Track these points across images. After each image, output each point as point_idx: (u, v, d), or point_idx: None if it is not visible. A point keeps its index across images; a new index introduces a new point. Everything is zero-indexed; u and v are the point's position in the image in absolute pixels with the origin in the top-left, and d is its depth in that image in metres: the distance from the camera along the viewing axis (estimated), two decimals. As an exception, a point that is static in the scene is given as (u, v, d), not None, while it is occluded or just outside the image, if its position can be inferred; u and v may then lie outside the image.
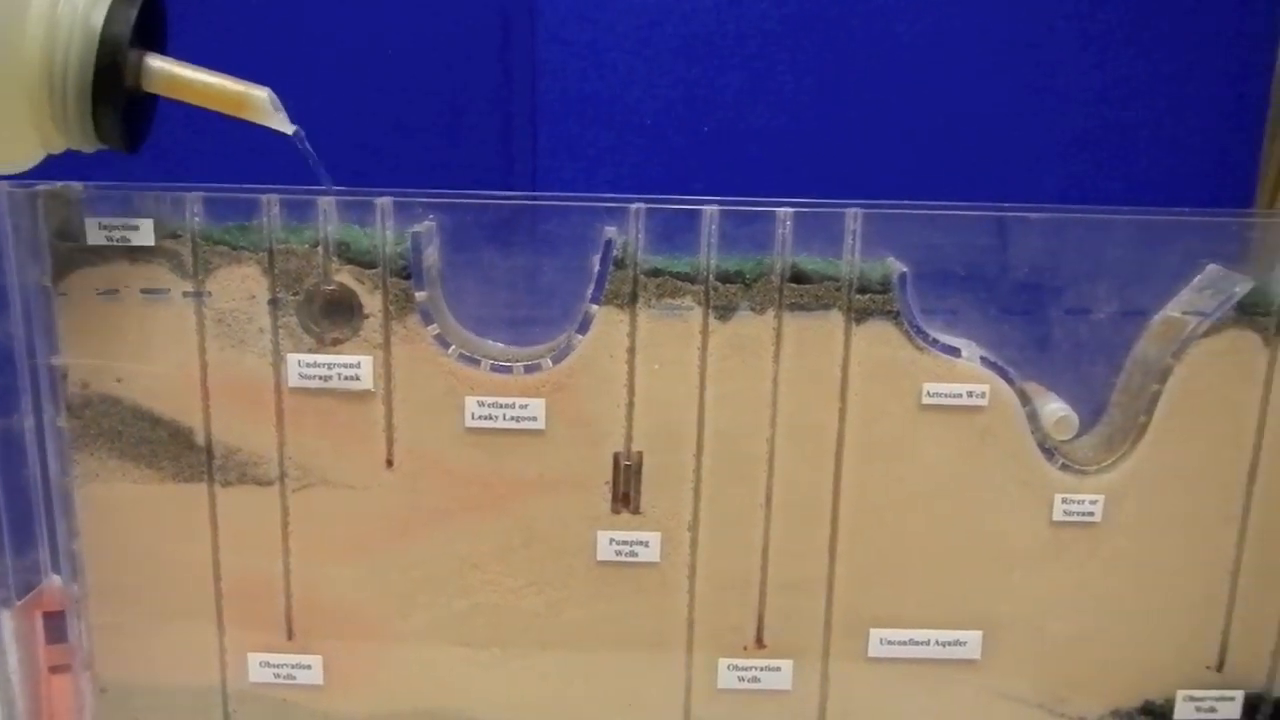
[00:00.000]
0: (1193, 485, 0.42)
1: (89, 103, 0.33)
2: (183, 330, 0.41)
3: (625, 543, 0.42)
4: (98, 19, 0.32)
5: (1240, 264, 0.42)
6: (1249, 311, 0.41)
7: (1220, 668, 0.44)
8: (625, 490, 0.42)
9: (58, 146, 0.35)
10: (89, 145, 0.35)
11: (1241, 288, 0.41)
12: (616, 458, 0.42)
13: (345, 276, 0.40)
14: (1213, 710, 0.44)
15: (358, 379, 0.41)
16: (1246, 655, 0.44)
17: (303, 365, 0.41)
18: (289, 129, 0.37)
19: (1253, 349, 0.41)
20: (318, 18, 0.69)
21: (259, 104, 0.36)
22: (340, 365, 0.41)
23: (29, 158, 0.35)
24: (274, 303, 0.41)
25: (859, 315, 0.41)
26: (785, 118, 0.57)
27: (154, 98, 0.36)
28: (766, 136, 0.55)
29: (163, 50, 0.36)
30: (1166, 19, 0.55)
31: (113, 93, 0.33)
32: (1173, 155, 0.55)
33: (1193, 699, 0.44)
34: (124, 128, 0.35)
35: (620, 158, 0.65)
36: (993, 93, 0.56)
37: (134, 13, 0.33)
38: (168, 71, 0.35)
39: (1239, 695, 0.44)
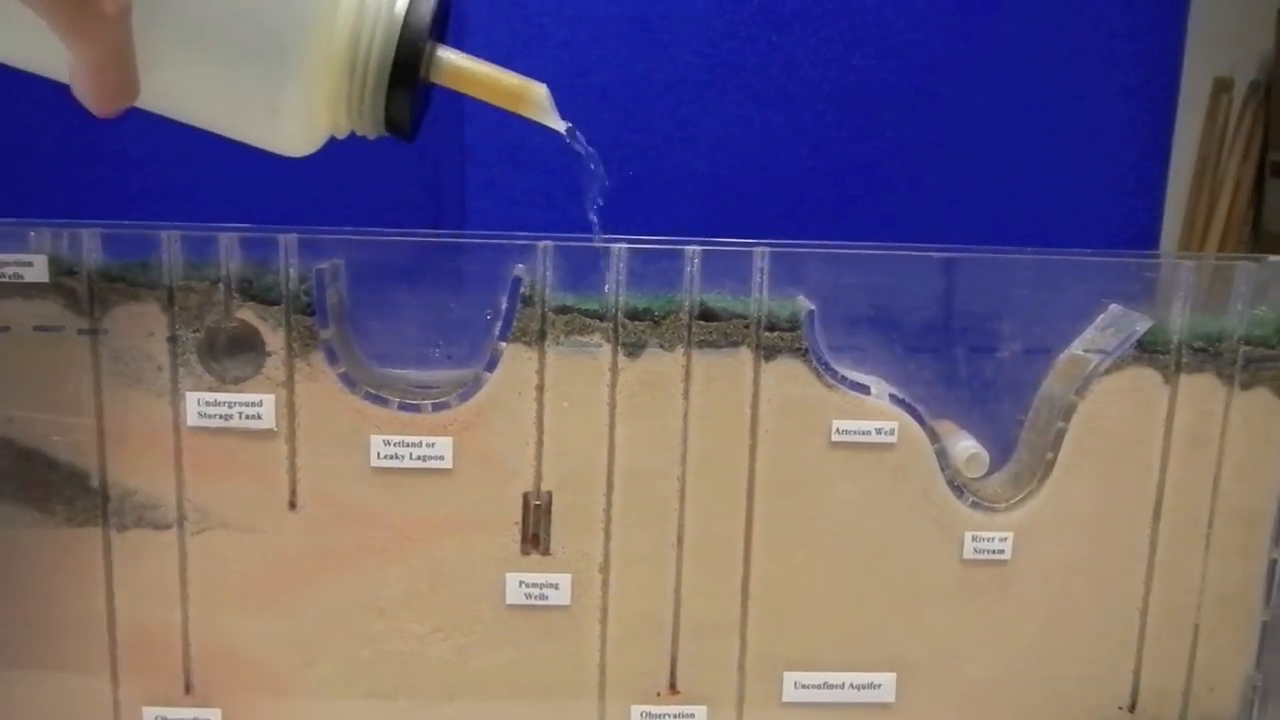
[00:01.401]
0: (1100, 522, 0.43)
1: (384, 90, 0.33)
2: (77, 369, 0.40)
3: (535, 585, 0.42)
4: (401, 9, 0.32)
5: (1141, 303, 0.43)
6: (1149, 349, 0.42)
7: (1133, 709, 0.44)
8: (534, 531, 0.42)
9: (343, 131, 0.36)
10: (374, 131, 0.35)
11: (1141, 326, 0.42)
12: (526, 497, 0.41)
13: (247, 314, 0.40)
14: (1128, 750, 0.44)
15: (259, 418, 0.40)
16: (1157, 695, 0.44)
17: (202, 404, 0.40)
18: (561, 126, 0.37)
19: (1153, 386, 0.42)
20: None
21: (538, 99, 0.36)
22: (241, 404, 0.40)
23: (316, 141, 0.35)
24: (173, 340, 0.40)
25: (768, 353, 0.41)
26: (705, 161, 0.58)
27: (431, 90, 0.36)
28: (690, 178, 0.56)
29: (445, 42, 0.36)
30: (1071, 63, 0.57)
31: (409, 81, 0.33)
32: (1077, 197, 0.57)
33: (1107, 739, 0.44)
34: (413, 116, 0.35)
35: (548, 199, 0.65)
36: (903, 137, 0.57)
37: (433, 5, 0.33)
38: (456, 64, 0.35)
39: (1153, 734, 0.44)
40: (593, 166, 0.39)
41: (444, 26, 0.36)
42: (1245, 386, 0.42)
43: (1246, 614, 0.44)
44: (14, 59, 0.33)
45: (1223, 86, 1.57)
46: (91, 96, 0.28)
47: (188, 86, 0.33)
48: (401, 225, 0.42)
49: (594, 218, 0.39)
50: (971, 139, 0.56)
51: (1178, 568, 0.43)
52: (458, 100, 0.64)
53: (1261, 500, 0.43)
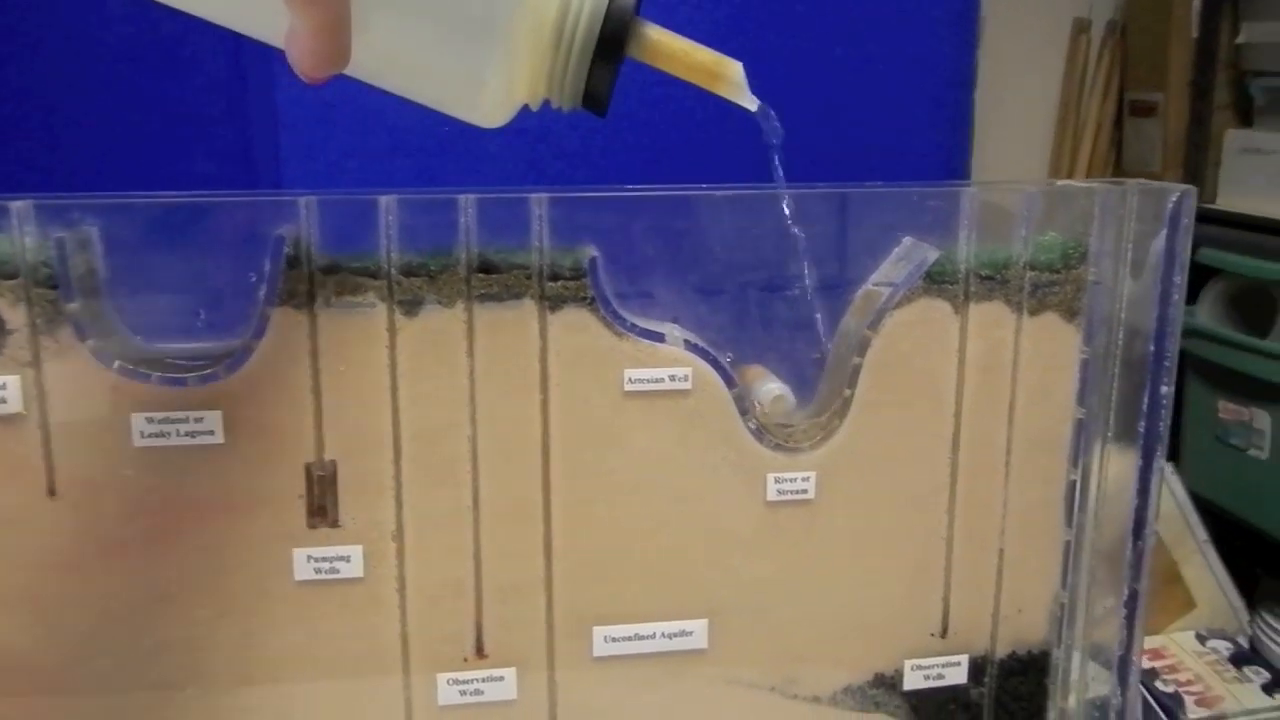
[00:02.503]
0: (900, 456, 0.43)
1: (588, 64, 0.33)
2: None
3: (325, 559, 0.40)
4: None
5: (935, 235, 0.42)
6: (938, 280, 0.42)
7: (944, 634, 0.45)
8: (320, 503, 0.40)
9: (537, 103, 0.35)
10: (570, 105, 0.35)
11: (931, 256, 0.42)
12: (308, 469, 0.39)
13: (-20, 289, 0.37)
14: (940, 677, 0.45)
15: (5, 401, 0.37)
16: (968, 620, 0.45)
17: (-62, 390, 0.37)
18: (754, 104, 0.36)
19: (944, 317, 0.42)
20: (40, 18, 0.64)
21: (734, 76, 0.36)
22: (-18, 388, 0.37)
23: (511, 112, 0.35)
24: (-104, 322, 0.36)
25: (553, 304, 0.39)
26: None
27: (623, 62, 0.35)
28: (507, 133, 0.54)
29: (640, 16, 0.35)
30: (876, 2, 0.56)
31: (613, 57, 0.33)
32: (886, 134, 0.57)
33: (920, 667, 0.45)
34: (611, 91, 0.34)
35: (366, 159, 0.62)
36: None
37: None
38: (656, 40, 0.35)
39: (964, 659, 0.45)
40: (778, 154, 0.38)
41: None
42: (1034, 312, 0.43)
43: (1049, 536, 0.45)
44: (228, 20, 0.32)
45: (1081, 27, 1.60)
46: (306, 60, 0.28)
47: (394, 55, 0.33)
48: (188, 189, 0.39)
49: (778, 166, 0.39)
50: (777, 77, 0.55)
51: (979, 495, 0.44)
52: (268, 57, 0.61)
53: (1057, 424, 0.44)
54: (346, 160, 0.62)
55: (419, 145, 0.60)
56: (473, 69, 0.32)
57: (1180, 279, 0.42)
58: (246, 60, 0.63)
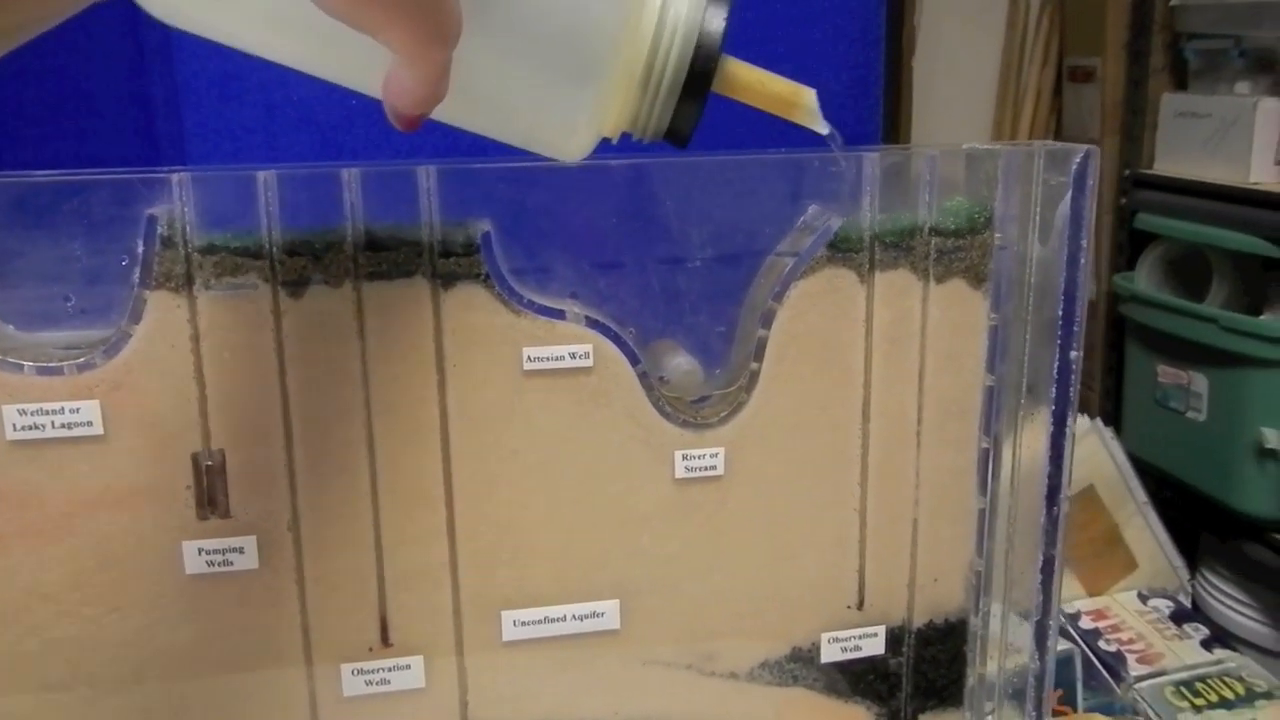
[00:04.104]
0: (810, 428, 0.42)
1: (676, 99, 0.33)
2: None
3: (216, 551, 0.38)
4: (696, 21, 0.33)
5: (838, 204, 0.42)
6: (842, 249, 0.41)
7: (860, 605, 0.44)
8: (210, 494, 0.38)
9: (617, 135, 0.35)
10: (653, 138, 0.35)
11: (833, 224, 0.41)
12: (195, 458, 0.38)
13: None
14: (858, 648, 0.45)
15: None
16: (884, 591, 0.44)
17: None
18: (825, 129, 0.37)
19: (849, 286, 0.41)
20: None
21: (810, 104, 0.37)
22: None
23: (593, 145, 0.35)
24: None
25: (445, 281, 0.38)
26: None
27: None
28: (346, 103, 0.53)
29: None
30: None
31: (700, 92, 0.34)
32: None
33: (837, 640, 0.44)
34: (696, 124, 0.35)
35: (272, 136, 0.60)
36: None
37: (725, 15, 0.34)
38: (738, 74, 0.35)
39: (881, 630, 0.45)
40: (836, 149, 0.38)
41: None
42: (940, 279, 0.42)
43: (963, 504, 0.45)
44: (314, 68, 0.32)
45: (1021, -6, 1.61)
46: (407, 104, 0.29)
47: (489, 97, 0.33)
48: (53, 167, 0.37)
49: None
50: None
51: (892, 465, 0.43)
52: (166, 36, 0.58)
53: (967, 392, 0.44)
54: (251, 136, 0.60)
55: (326, 119, 0.58)
56: (569, 112, 0.33)
57: (1086, 240, 0.42)
58: (144, 36, 0.60)
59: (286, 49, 0.32)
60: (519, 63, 0.32)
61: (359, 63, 0.30)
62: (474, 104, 0.33)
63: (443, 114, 0.32)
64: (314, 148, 0.59)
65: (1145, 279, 1.28)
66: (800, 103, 0.36)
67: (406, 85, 0.28)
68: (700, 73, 0.33)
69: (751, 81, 0.36)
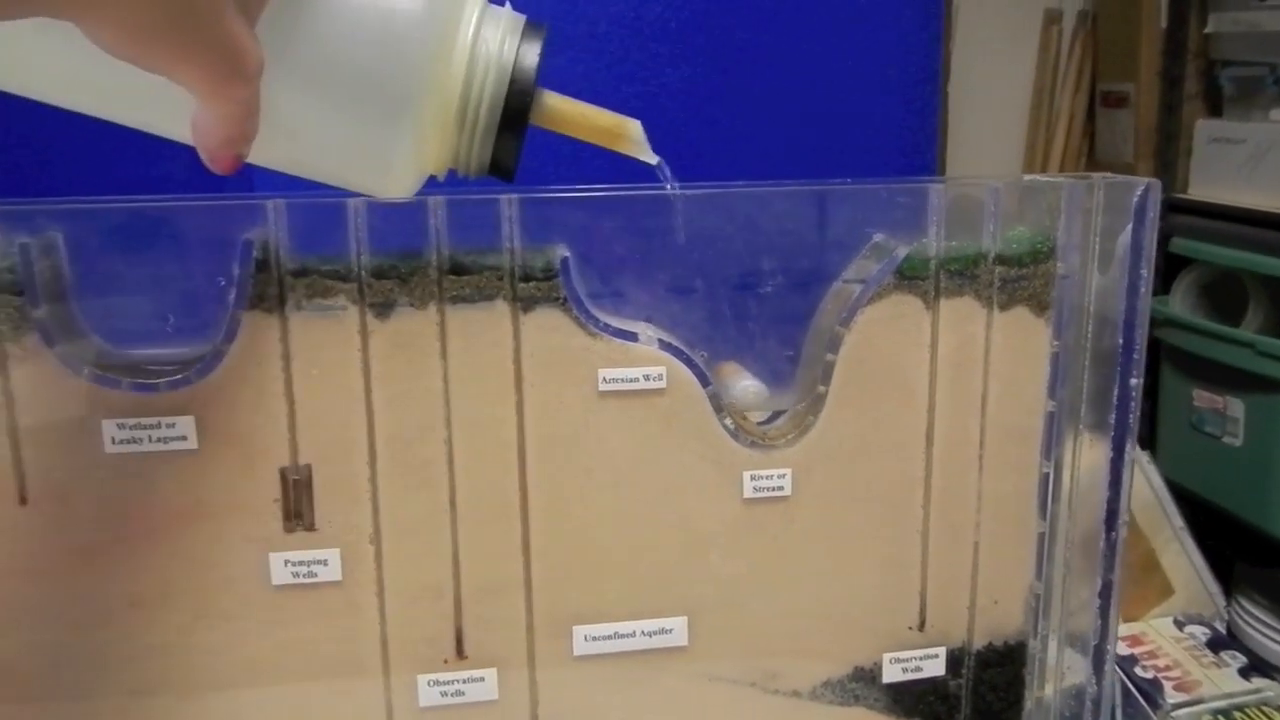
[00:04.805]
0: (875, 450, 0.43)
1: (494, 135, 0.34)
2: None
3: (302, 563, 0.40)
4: (510, 58, 0.33)
5: (906, 231, 0.43)
6: (907, 276, 0.42)
7: (921, 627, 0.45)
8: (296, 507, 0.39)
9: (443, 173, 0.36)
10: (476, 174, 0.35)
11: (899, 253, 0.42)
12: (283, 473, 0.39)
13: (-55, 297, 0.36)
14: (919, 669, 0.45)
15: (-28, 410, 0.37)
16: (945, 613, 0.45)
17: (-96, 400, 0.36)
18: (654, 159, 0.37)
19: (914, 312, 0.42)
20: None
21: (634, 135, 0.37)
22: (-51, 397, 0.37)
23: (418, 183, 0.36)
24: None
25: (525, 304, 0.39)
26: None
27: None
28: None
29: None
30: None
31: (517, 129, 0.34)
32: (855, 131, 0.57)
33: (898, 660, 0.45)
34: (518, 158, 0.35)
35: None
36: (679, 73, 0.56)
37: (539, 52, 0.34)
38: (558, 108, 0.36)
39: (941, 651, 0.45)
40: (665, 179, 0.39)
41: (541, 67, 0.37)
42: (1004, 307, 0.43)
43: (1023, 528, 0.45)
44: (134, 121, 0.32)
45: (1052, 19, 1.62)
46: (215, 146, 0.29)
47: (303, 139, 0.33)
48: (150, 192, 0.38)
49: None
50: (746, 75, 0.55)
51: (954, 488, 0.44)
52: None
53: (1029, 417, 0.44)
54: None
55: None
56: (382, 151, 0.33)
57: (1147, 271, 0.42)
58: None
59: (96, 103, 0.32)
60: (328, 103, 0.32)
61: (169, 109, 0.30)
62: (289, 144, 0.33)
63: (259, 156, 0.32)
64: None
65: (1180, 303, 1.28)
66: (625, 134, 0.37)
67: (211, 125, 0.28)
68: (516, 108, 0.33)
69: (573, 115, 0.36)
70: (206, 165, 0.30)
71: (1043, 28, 1.59)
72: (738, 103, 0.52)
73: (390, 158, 0.33)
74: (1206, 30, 1.32)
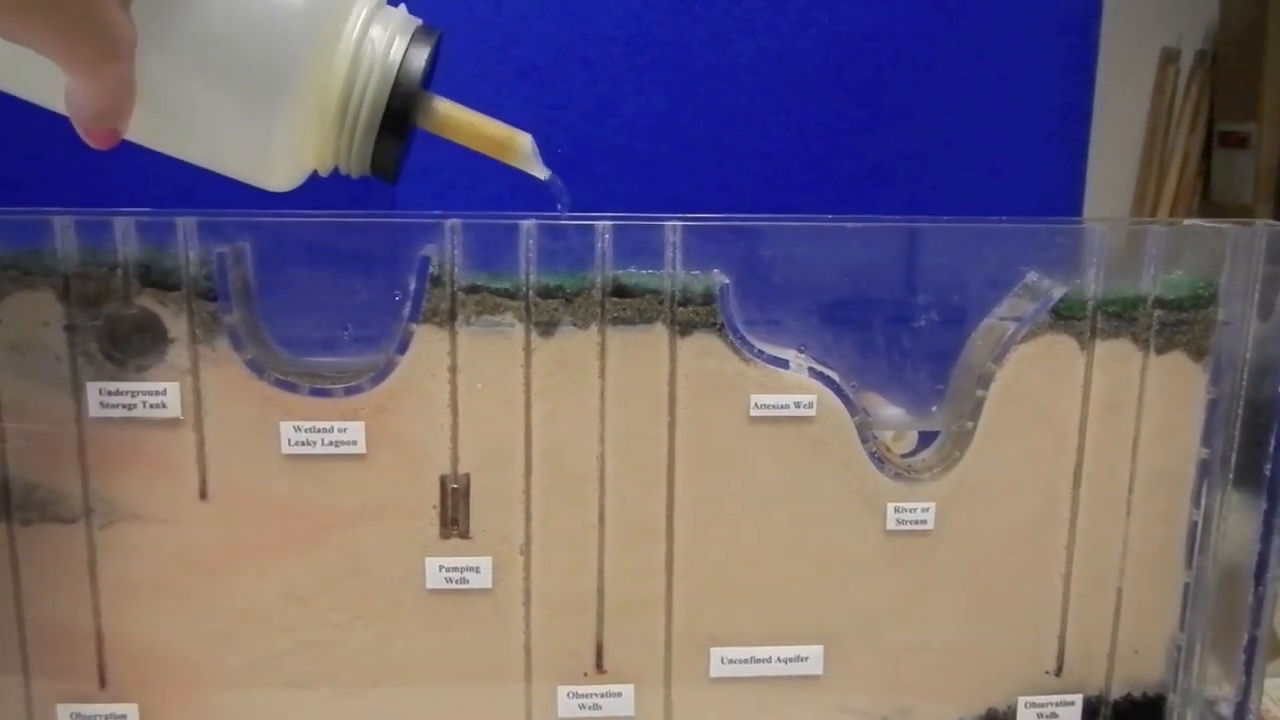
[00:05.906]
0: (1021, 490, 0.43)
1: (374, 135, 0.34)
2: (-28, 361, 0.39)
3: (455, 569, 0.41)
4: (396, 59, 0.33)
5: (1059, 270, 0.43)
6: (1063, 316, 0.42)
7: (1059, 672, 0.44)
8: (453, 514, 0.41)
9: (326, 170, 0.36)
10: (359, 173, 0.36)
11: (1056, 292, 0.42)
12: (443, 480, 0.41)
13: (147, 300, 0.39)
14: (1054, 715, 0.45)
15: (164, 406, 0.39)
16: (1083, 659, 0.44)
17: (104, 394, 0.39)
18: (544, 174, 0.38)
19: (1069, 353, 0.42)
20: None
21: (523, 148, 0.37)
22: (145, 393, 0.39)
23: (300, 178, 0.36)
24: (70, 329, 0.39)
25: (683, 328, 0.40)
26: (626, 136, 0.57)
27: (414, 133, 0.37)
28: (612, 154, 0.56)
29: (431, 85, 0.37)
30: (992, 32, 0.56)
31: (399, 129, 0.34)
32: (1000, 165, 0.57)
33: (1034, 705, 0.44)
34: (399, 161, 0.36)
35: (472, 178, 0.64)
36: (825, 108, 0.57)
37: (427, 55, 0.34)
38: (445, 113, 0.36)
39: (1078, 699, 0.45)
40: (560, 207, 0.40)
41: (432, 71, 0.37)
42: (1160, 350, 0.42)
43: (1168, 576, 0.45)
44: (10, 88, 0.32)
45: (1169, 57, 1.58)
46: (88, 119, 0.29)
47: (178, 121, 0.33)
48: (329, 207, 0.41)
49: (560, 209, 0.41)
50: (893, 110, 0.56)
51: (1099, 532, 0.44)
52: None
53: (1180, 462, 0.44)
54: (456, 176, 0.63)
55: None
56: (258, 139, 0.33)
57: (1313, 321, 0.42)
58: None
59: None
60: (206, 88, 0.31)
61: (44, 80, 0.29)
62: (168, 125, 0.32)
63: (139, 135, 0.32)
64: (502, 191, 0.62)
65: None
66: (514, 147, 0.36)
67: (82, 99, 0.28)
68: (398, 110, 0.33)
69: (462, 123, 0.36)
70: (82, 138, 0.30)
71: (1159, 66, 1.56)
72: (890, 140, 0.52)
73: (266, 149, 0.33)
74: (1337, 72, 1.28)
